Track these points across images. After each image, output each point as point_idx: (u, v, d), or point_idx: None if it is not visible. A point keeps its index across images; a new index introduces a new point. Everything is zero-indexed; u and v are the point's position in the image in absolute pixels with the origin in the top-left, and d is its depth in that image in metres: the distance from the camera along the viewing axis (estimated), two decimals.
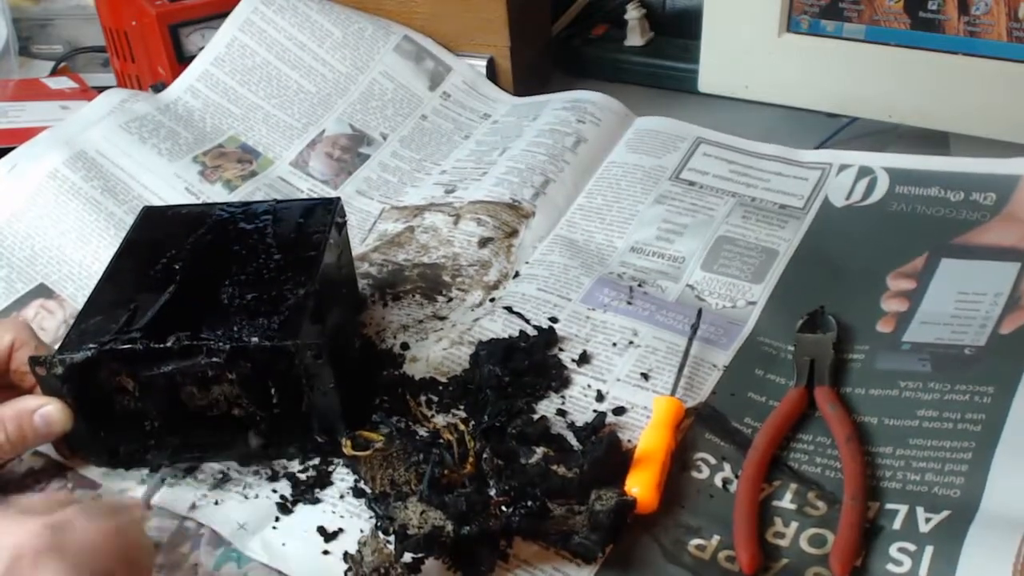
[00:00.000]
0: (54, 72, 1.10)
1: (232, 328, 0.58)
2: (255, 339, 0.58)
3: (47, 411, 0.58)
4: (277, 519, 0.58)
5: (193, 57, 0.96)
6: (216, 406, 0.60)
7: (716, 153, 0.86)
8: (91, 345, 0.58)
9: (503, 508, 0.54)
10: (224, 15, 0.97)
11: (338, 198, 0.71)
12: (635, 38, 1.05)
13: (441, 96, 0.97)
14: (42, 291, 0.75)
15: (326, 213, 0.68)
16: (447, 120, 0.95)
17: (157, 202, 0.80)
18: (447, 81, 0.98)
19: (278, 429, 0.61)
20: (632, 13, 1.04)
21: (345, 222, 0.70)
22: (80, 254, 0.76)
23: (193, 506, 0.59)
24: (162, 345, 0.58)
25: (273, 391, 0.60)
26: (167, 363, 0.58)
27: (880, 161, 0.82)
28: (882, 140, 0.87)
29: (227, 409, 0.61)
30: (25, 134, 0.88)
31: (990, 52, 0.79)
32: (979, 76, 0.80)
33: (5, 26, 1.11)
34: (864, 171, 0.81)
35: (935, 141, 0.86)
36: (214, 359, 0.58)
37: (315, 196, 0.86)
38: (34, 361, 0.58)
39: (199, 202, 0.82)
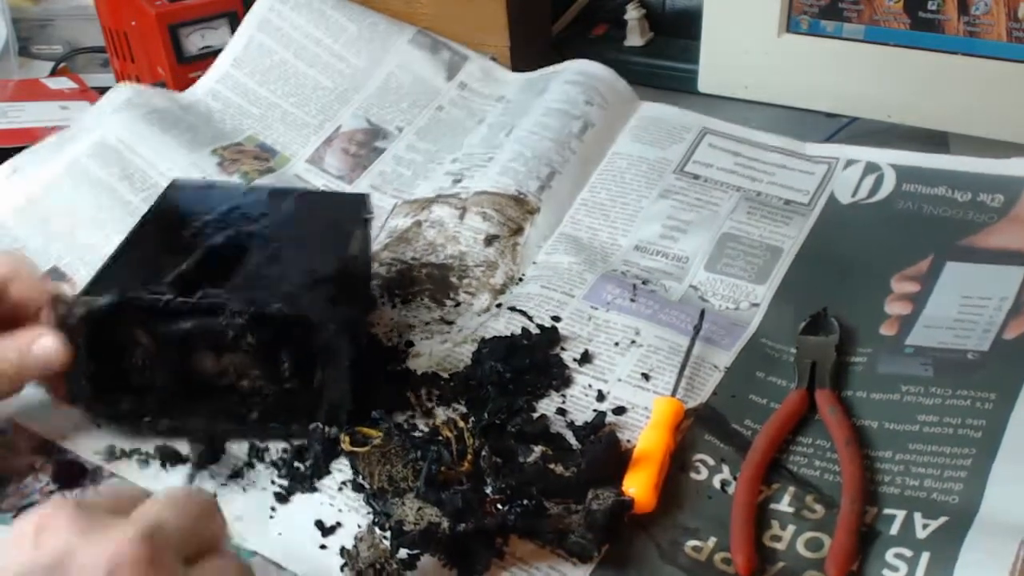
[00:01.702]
0: (54, 72, 1.09)
1: (256, 294, 0.59)
2: (279, 306, 0.58)
3: (45, 341, 0.57)
4: (274, 509, 0.58)
5: (193, 57, 0.96)
6: (225, 375, 0.61)
7: (722, 144, 0.86)
8: (115, 292, 0.58)
9: (499, 506, 0.54)
10: (224, 15, 0.97)
11: (367, 194, 0.72)
12: (635, 38, 1.04)
13: (458, 86, 0.96)
14: (55, 274, 0.75)
15: (354, 206, 0.70)
16: (462, 109, 0.94)
17: None
18: (464, 70, 0.97)
19: (284, 405, 0.61)
20: (632, 13, 1.03)
21: (371, 218, 0.72)
22: (94, 239, 0.77)
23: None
24: (188, 300, 0.58)
25: (286, 364, 0.60)
26: (189, 319, 0.59)
27: (887, 157, 0.81)
28: (881, 140, 0.86)
29: (235, 380, 0.61)
30: (25, 134, 0.89)
31: (990, 52, 0.78)
32: (979, 76, 0.79)
33: (5, 26, 1.11)
34: (871, 167, 0.81)
35: (935, 141, 0.86)
36: (236, 320, 0.58)
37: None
38: (57, 301, 0.58)
39: (225, 181, 0.82)
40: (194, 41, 0.98)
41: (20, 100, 1.00)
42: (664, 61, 1.02)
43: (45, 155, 0.84)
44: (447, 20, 0.98)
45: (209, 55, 0.97)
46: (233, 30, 0.98)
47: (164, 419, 0.62)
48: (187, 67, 0.96)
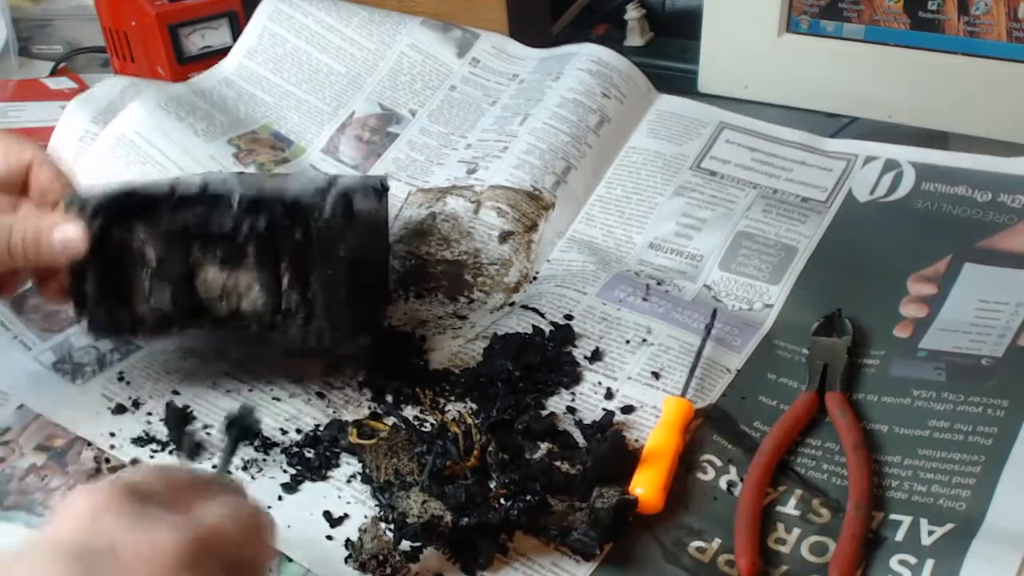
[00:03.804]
0: (54, 72, 1.10)
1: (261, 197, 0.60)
2: (276, 194, 0.59)
3: (66, 228, 0.57)
4: (280, 498, 0.59)
5: (193, 57, 0.97)
6: (226, 297, 0.61)
7: (739, 140, 0.84)
8: (123, 188, 0.60)
9: (503, 501, 0.55)
10: (224, 15, 0.97)
11: (385, 175, 0.74)
12: (635, 38, 1.04)
13: (470, 63, 0.95)
14: None
15: (373, 186, 0.69)
16: (476, 88, 0.93)
17: None
18: (476, 47, 0.96)
19: (283, 325, 0.61)
20: (632, 13, 1.03)
21: (386, 191, 0.70)
22: None
23: None
24: (193, 192, 0.60)
25: (284, 266, 0.60)
26: (194, 208, 0.60)
27: (907, 155, 0.80)
28: (881, 140, 0.85)
29: (236, 302, 0.61)
30: (25, 134, 0.88)
31: (990, 52, 0.78)
32: (979, 76, 0.79)
33: (5, 26, 1.11)
34: (890, 164, 0.80)
35: (935, 141, 0.85)
36: (238, 209, 0.59)
37: None
38: (69, 196, 0.59)
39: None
40: (194, 41, 0.98)
41: (20, 100, 1.01)
42: (664, 61, 1.02)
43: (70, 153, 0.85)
44: (444, 19, 0.97)
45: (209, 55, 0.97)
46: (233, 30, 0.98)
47: (162, 335, 0.62)
48: (187, 67, 0.96)
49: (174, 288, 0.61)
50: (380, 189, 0.69)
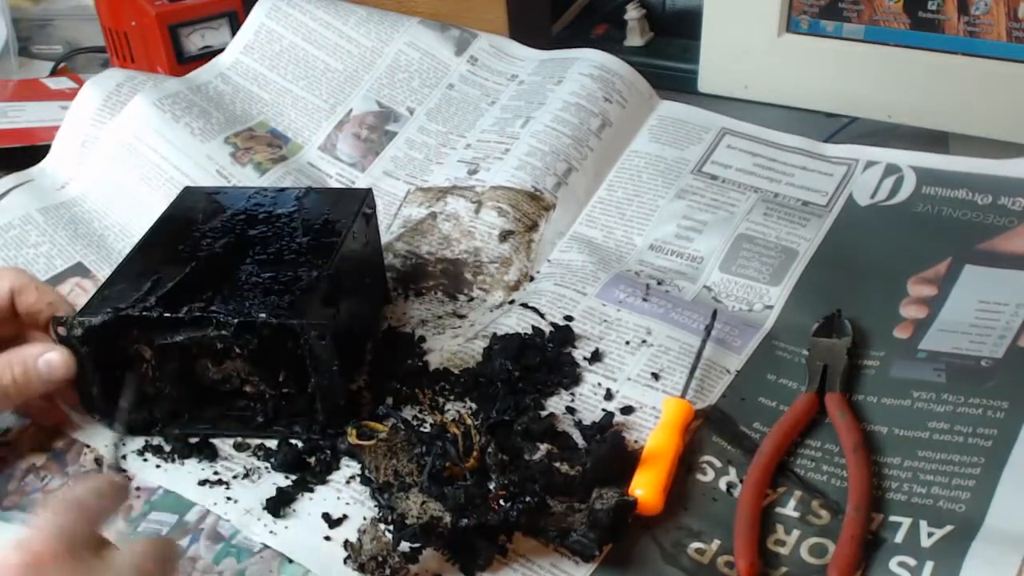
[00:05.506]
0: (54, 72, 1.10)
1: (243, 304, 0.60)
2: (263, 315, 0.59)
3: (50, 356, 0.59)
4: (280, 502, 0.58)
5: (193, 57, 0.97)
6: (229, 381, 0.62)
7: (740, 145, 0.85)
8: (108, 309, 0.59)
9: (502, 502, 0.55)
10: (224, 15, 0.98)
11: (369, 189, 0.73)
12: (635, 38, 1.05)
13: (468, 61, 0.95)
14: (79, 270, 0.77)
15: (354, 202, 0.70)
16: (474, 87, 0.93)
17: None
18: (473, 45, 0.96)
19: (286, 408, 0.62)
20: (632, 13, 1.04)
21: (374, 212, 0.71)
22: (120, 245, 0.79)
23: (203, 483, 0.60)
24: (174, 315, 0.59)
25: (282, 369, 0.61)
26: (179, 332, 0.60)
27: (908, 159, 0.80)
28: (881, 140, 0.86)
29: (239, 385, 0.62)
30: (25, 134, 0.90)
31: (990, 52, 0.79)
32: (979, 76, 0.79)
33: (5, 26, 1.12)
34: (891, 169, 0.80)
35: (935, 141, 0.85)
36: (222, 332, 0.59)
37: (343, 180, 0.87)
38: (56, 321, 0.60)
39: (233, 185, 0.83)
40: (194, 41, 0.99)
41: (20, 100, 1.01)
42: (664, 61, 1.02)
43: (72, 157, 0.86)
44: (443, 20, 0.98)
45: (209, 55, 0.97)
46: (233, 30, 0.98)
47: (174, 427, 0.63)
48: (187, 67, 0.97)
49: (174, 379, 0.62)
50: (367, 213, 0.70)
